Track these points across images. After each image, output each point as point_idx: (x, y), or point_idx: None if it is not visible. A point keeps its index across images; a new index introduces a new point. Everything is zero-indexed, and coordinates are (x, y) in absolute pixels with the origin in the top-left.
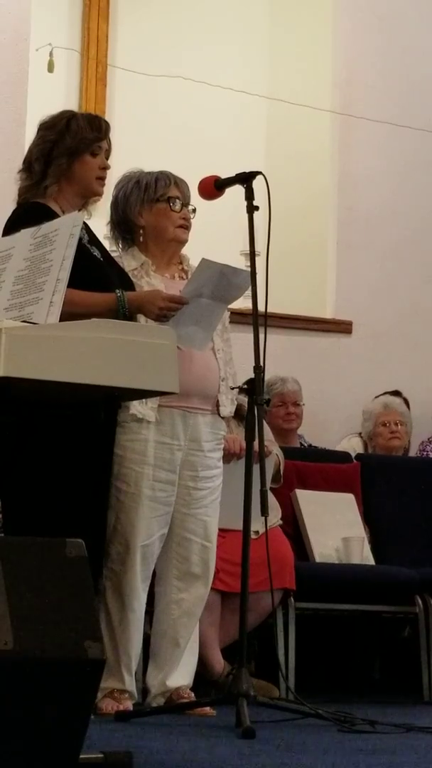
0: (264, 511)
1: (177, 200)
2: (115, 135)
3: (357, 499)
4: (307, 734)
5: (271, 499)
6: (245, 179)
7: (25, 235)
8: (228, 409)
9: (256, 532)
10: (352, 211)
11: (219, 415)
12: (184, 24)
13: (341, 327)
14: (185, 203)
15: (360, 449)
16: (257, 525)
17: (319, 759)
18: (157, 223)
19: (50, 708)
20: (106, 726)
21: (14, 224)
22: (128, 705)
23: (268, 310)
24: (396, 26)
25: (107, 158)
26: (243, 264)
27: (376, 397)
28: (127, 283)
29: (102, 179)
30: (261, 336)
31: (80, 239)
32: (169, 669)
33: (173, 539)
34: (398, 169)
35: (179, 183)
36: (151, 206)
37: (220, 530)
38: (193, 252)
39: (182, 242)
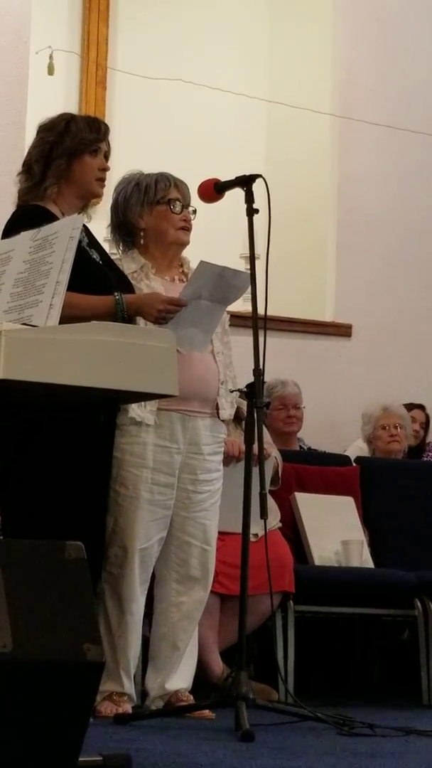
0: (263, 514)
1: (177, 202)
2: (115, 138)
3: (356, 502)
4: (306, 737)
5: (271, 502)
6: (245, 182)
7: (25, 237)
8: (228, 412)
9: (256, 535)
10: (351, 214)
11: (218, 418)
12: (184, 27)
13: (341, 330)
14: (185, 205)
15: (368, 452)
16: (256, 528)
17: (318, 762)
18: (157, 226)
19: (49, 710)
20: (105, 729)
21: (13, 227)
22: (127, 708)
23: (268, 313)
24: (395, 30)
25: (107, 160)
26: (243, 267)
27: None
28: (127, 286)
29: (102, 180)
30: (261, 339)
31: (80, 242)
32: (168, 672)
33: (173, 542)
34: (398, 172)
35: (179, 184)
36: (152, 208)
37: (220, 533)
38: (193, 255)
39: (183, 244)
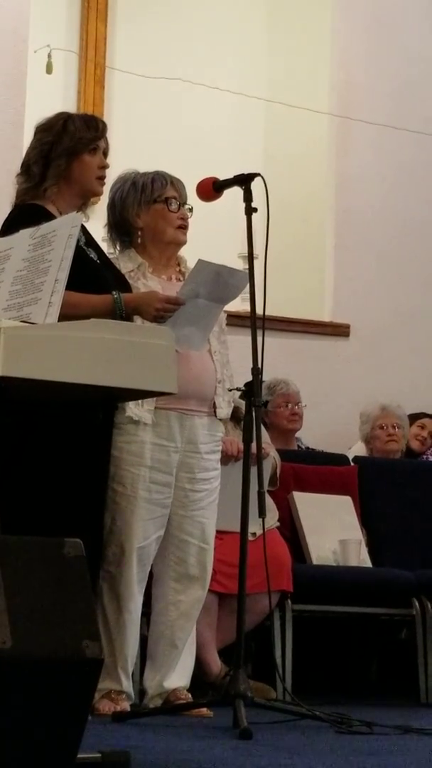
0: (261, 512)
1: (174, 200)
2: (113, 137)
3: (354, 502)
4: (305, 736)
5: (269, 501)
6: (244, 181)
7: (24, 235)
8: (225, 411)
9: (254, 534)
10: (349, 213)
11: (216, 417)
12: (182, 26)
13: (339, 330)
14: (182, 203)
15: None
16: (255, 527)
17: (316, 760)
18: (155, 225)
19: (48, 707)
20: (103, 727)
21: (11, 225)
22: (125, 706)
23: (266, 313)
24: (393, 29)
25: (106, 157)
26: (241, 267)
27: (413, 415)
28: (124, 286)
29: (102, 178)
30: (259, 339)
31: (77, 241)
32: (167, 670)
33: (171, 541)
34: (395, 172)
35: (175, 183)
36: (149, 207)
37: (218, 532)
38: (191, 254)
39: (181, 243)
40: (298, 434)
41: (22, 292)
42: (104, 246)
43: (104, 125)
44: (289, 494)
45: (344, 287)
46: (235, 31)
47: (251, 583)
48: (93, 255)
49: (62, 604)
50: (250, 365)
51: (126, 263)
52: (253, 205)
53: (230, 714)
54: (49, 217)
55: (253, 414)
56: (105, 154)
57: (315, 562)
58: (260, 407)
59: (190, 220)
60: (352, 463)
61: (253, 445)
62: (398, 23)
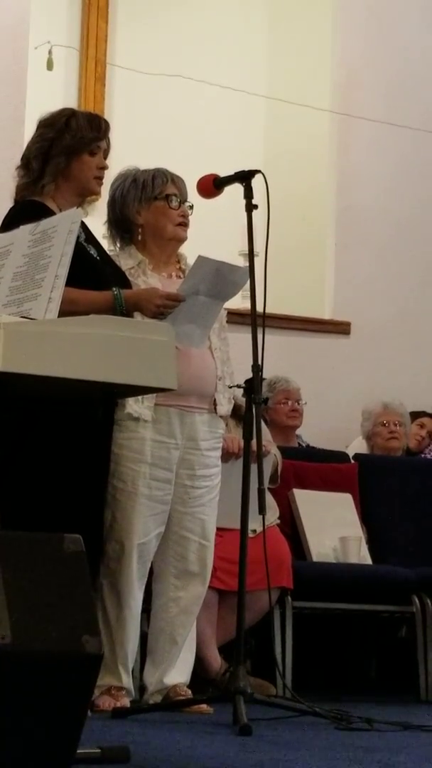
0: (262, 510)
1: (174, 197)
2: (113, 134)
3: (354, 499)
4: (304, 732)
5: (269, 499)
6: (244, 178)
7: (24, 231)
8: (225, 407)
9: (254, 531)
10: (350, 211)
11: (216, 414)
12: (183, 23)
13: (339, 327)
14: (183, 200)
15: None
16: (255, 524)
17: (315, 756)
18: (155, 222)
19: (48, 702)
20: (103, 723)
21: (11, 221)
22: (125, 702)
23: (267, 311)
24: (395, 27)
25: (106, 158)
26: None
27: (412, 413)
28: (124, 282)
29: (100, 179)
30: (259, 336)
31: (77, 238)
32: (167, 666)
33: (171, 537)
34: (396, 169)
35: (176, 180)
36: (149, 204)
37: (218, 529)
38: (191, 251)
39: (181, 240)
40: (298, 431)
41: (22, 287)
42: (104, 243)
43: (107, 125)
44: (289, 491)
45: (345, 285)
46: (236, 29)
47: (251, 580)
48: (93, 252)
49: (62, 599)
50: (251, 362)
51: (126, 260)
52: (254, 202)
53: (230, 710)
54: (49, 213)
55: (254, 411)
56: (106, 154)
57: (315, 559)
58: (260, 404)
59: (190, 218)
60: (352, 461)
61: (254, 442)
62: (398, 21)
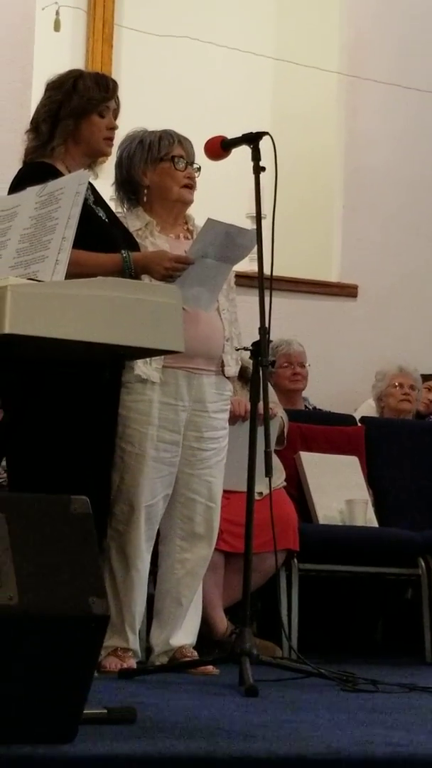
0: (268, 472)
1: (181, 159)
2: (121, 95)
3: (361, 462)
4: (310, 693)
5: (275, 461)
6: (252, 139)
7: (31, 193)
8: (233, 369)
9: (260, 494)
10: (358, 173)
11: (224, 375)
12: None
13: (346, 290)
14: (189, 162)
15: (377, 411)
16: (261, 486)
17: (321, 717)
18: (161, 183)
19: (55, 662)
20: (110, 684)
21: (19, 183)
22: (132, 663)
23: (274, 273)
24: None
25: (116, 118)
26: (249, 226)
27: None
28: (132, 244)
29: (110, 139)
30: (266, 299)
31: (85, 200)
32: (172, 628)
33: (178, 499)
34: (405, 132)
35: (183, 141)
36: (155, 166)
37: (225, 492)
38: (199, 213)
39: (187, 203)
40: (305, 394)
41: (29, 249)
42: (112, 205)
43: (115, 84)
44: (295, 454)
45: (352, 248)
46: None
47: (257, 542)
48: (101, 214)
49: (69, 561)
50: (258, 325)
51: (134, 221)
52: (261, 164)
53: (236, 672)
54: (58, 175)
55: (260, 373)
56: (115, 114)
57: (321, 521)
58: (267, 367)
59: (197, 180)
60: (359, 424)
61: (260, 404)
62: None
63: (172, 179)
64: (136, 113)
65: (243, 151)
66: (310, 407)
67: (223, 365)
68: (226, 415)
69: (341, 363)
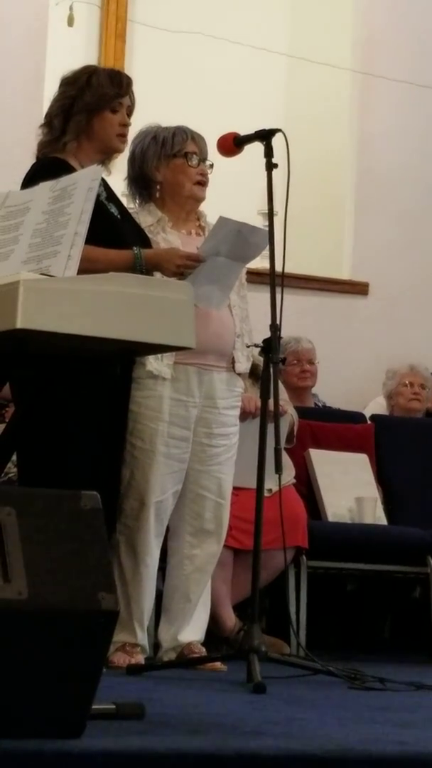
0: (278, 469)
1: (194, 156)
2: (134, 91)
3: (371, 460)
4: (318, 690)
5: (285, 458)
6: (265, 136)
7: (44, 188)
8: (243, 365)
9: (270, 491)
10: (370, 171)
11: (234, 371)
12: None
13: (357, 288)
14: (202, 158)
15: (386, 409)
16: (271, 483)
17: (329, 715)
18: (174, 179)
19: (64, 658)
20: (118, 679)
21: (32, 178)
22: (140, 659)
23: (285, 271)
24: None
25: (130, 114)
26: (260, 224)
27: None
28: (144, 241)
29: (123, 136)
30: (278, 296)
31: (98, 196)
32: (181, 624)
33: (187, 495)
34: (418, 130)
35: (196, 138)
36: (168, 161)
37: (234, 488)
38: (211, 210)
39: (199, 199)
40: (315, 391)
41: (42, 244)
42: (125, 201)
43: (129, 81)
44: (305, 451)
45: (364, 245)
46: None
47: (267, 539)
48: (113, 210)
49: (78, 556)
50: (269, 322)
51: (146, 217)
52: (274, 161)
53: (244, 668)
54: (71, 170)
55: (271, 371)
56: (129, 111)
57: (330, 519)
58: (278, 364)
59: (209, 176)
60: (369, 421)
61: (271, 402)
62: None
63: (184, 176)
64: (148, 109)
65: (255, 148)
66: (320, 404)
67: (233, 362)
68: (237, 412)
69: (352, 360)
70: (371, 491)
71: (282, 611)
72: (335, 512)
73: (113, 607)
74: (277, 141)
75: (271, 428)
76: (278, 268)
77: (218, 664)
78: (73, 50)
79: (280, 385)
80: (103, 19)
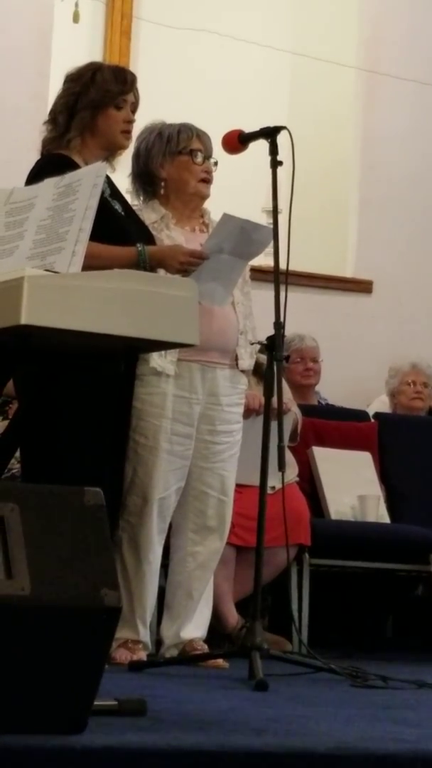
0: (281, 467)
1: (199, 153)
2: (138, 88)
3: (374, 458)
4: (320, 688)
5: (288, 456)
6: (270, 134)
7: (49, 184)
8: (247, 362)
9: (273, 488)
10: (374, 169)
11: (238, 368)
12: None
13: (361, 286)
14: (207, 156)
15: (390, 407)
16: (274, 481)
17: (331, 712)
18: (178, 176)
19: (66, 654)
20: (120, 676)
21: (37, 175)
22: (142, 656)
23: (289, 268)
24: None
25: (134, 111)
26: (264, 221)
27: None
28: (148, 238)
29: (127, 132)
30: (281, 293)
31: (102, 193)
32: (183, 621)
33: (190, 492)
34: (422, 128)
35: (201, 135)
36: (173, 158)
37: (237, 486)
38: (215, 207)
39: (204, 197)
40: (318, 389)
41: (46, 241)
42: (128, 197)
43: (133, 77)
44: (308, 449)
45: (367, 243)
46: None
47: (269, 536)
48: (117, 207)
49: (81, 552)
50: (272, 320)
51: (150, 214)
52: (278, 158)
53: (246, 665)
54: (75, 167)
55: (275, 368)
56: (134, 108)
57: (333, 517)
58: (281, 361)
59: (214, 173)
60: (372, 419)
61: (274, 399)
62: None
63: (189, 173)
64: (153, 106)
65: (260, 146)
66: (323, 402)
67: (237, 359)
68: (241, 409)
69: (355, 358)
70: (374, 489)
71: (284, 609)
72: (338, 510)
73: (116, 604)
74: (281, 138)
75: (274, 426)
76: (282, 265)
77: (220, 661)
78: (78, 47)
79: (284, 384)
80: (108, 16)
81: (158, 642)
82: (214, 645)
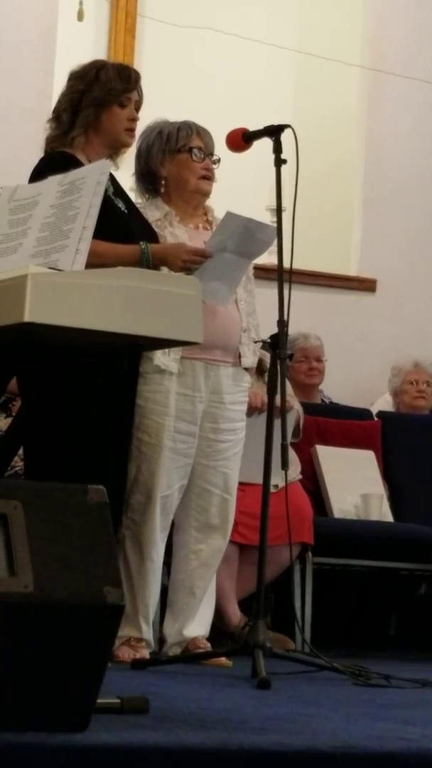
0: (284, 465)
1: (198, 150)
2: (142, 86)
3: (377, 456)
4: (322, 687)
5: (291, 454)
6: (274, 132)
7: (52, 182)
8: (250, 360)
9: (276, 486)
10: (379, 168)
11: (241, 366)
12: None
13: (365, 285)
14: (208, 153)
15: (393, 406)
16: (277, 479)
17: (333, 711)
18: (178, 174)
19: (69, 652)
20: (122, 674)
21: (41, 172)
22: (145, 653)
23: (293, 266)
24: None
25: (138, 109)
26: (269, 220)
27: None
28: (151, 236)
29: (131, 130)
30: (285, 292)
31: (105, 191)
32: (186, 619)
33: (193, 490)
34: (427, 127)
35: (202, 133)
36: (173, 157)
37: (240, 484)
38: (219, 206)
39: (205, 194)
40: (321, 387)
41: (50, 238)
42: (132, 196)
43: (137, 75)
44: (311, 448)
45: (372, 242)
46: None
47: (272, 535)
48: (121, 205)
49: (84, 550)
50: (276, 318)
51: (153, 212)
52: (282, 157)
53: (249, 664)
54: (79, 165)
55: (278, 366)
56: (138, 106)
57: (336, 515)
58: (285, 359)
59: (218, 171)
60: (375, 418)
61: (277, 397)
62: None
63: (189, 170)
64: (157, 104)
65: (264, 144)
66: (327, 401)
67: (240, 356)
68: (244, 407)
69: (359, 357)
70: (377, 488)
71: (287, 607)
72: (341, 508)
73: (119, 602)
74: (286, 137)
75: (277, 424)
76: (286, 263)
77: (223, 660)
78: (82, 45)
79: (287, 381)
80: (112, 14)
81: (161, 640)
82: (216, 643)
